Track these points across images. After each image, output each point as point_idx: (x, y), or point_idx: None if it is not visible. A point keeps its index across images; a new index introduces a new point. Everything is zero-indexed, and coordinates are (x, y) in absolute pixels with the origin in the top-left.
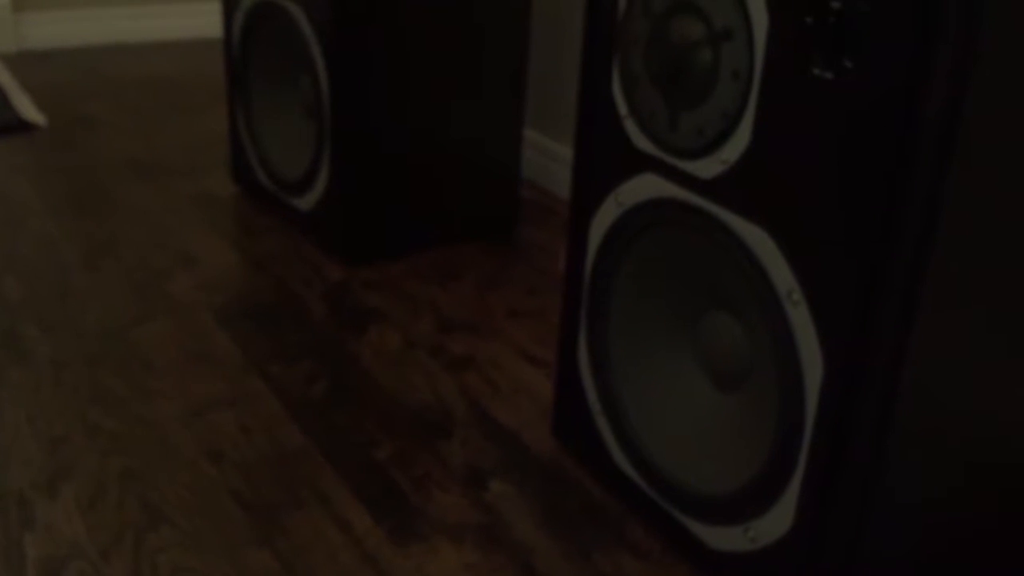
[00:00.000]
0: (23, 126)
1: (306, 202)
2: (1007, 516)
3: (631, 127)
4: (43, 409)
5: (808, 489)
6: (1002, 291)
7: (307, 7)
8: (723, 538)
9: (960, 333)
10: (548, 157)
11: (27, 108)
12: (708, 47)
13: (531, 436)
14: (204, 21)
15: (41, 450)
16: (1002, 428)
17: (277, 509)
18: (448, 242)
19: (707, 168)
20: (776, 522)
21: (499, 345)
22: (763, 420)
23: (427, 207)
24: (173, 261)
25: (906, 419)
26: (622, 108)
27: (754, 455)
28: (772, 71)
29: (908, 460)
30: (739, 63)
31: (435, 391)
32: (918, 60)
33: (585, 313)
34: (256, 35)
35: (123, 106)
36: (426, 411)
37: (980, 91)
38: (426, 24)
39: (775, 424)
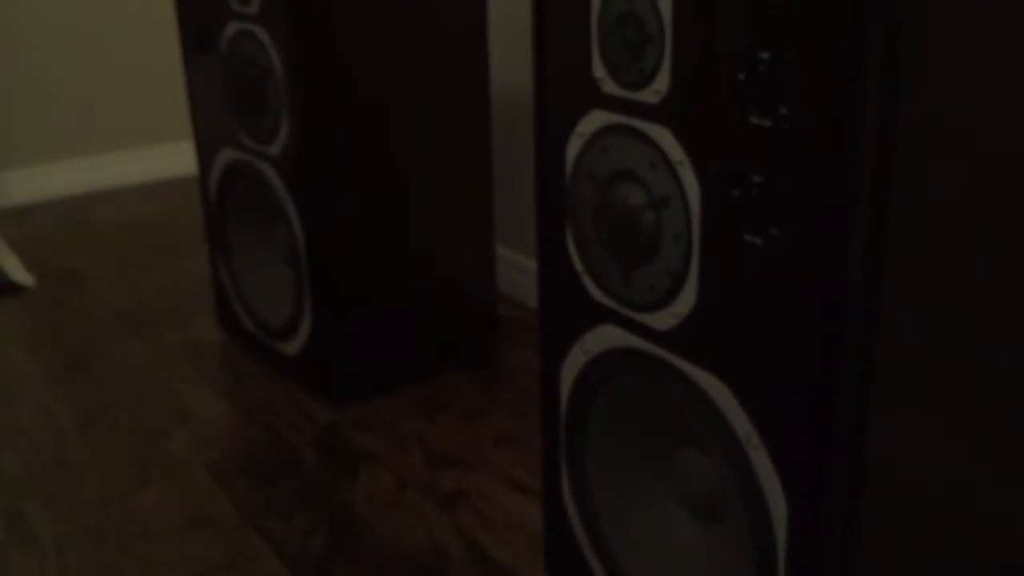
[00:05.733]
0: (13, 288)
1: (291, 347)
2: None
3: (588, 282)
4: None
5: None
6: (943, 422)
7: (277, 165)
8: None
9: (911, 465)
10: (520, 271)
11: (16, 269)
12: (650, 212)
13: (526, 573)
14: (180, 161)
15: None
16: (960, 549)
17: None
18: (433, 371)
19: (661, 321)
20: None
21: (488, 476)
22: (742, 552)
23: (409, 340)
24: (167, 418)
25: (870, 554)
26: (578, 265)
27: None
28: (709, 235)
29: None
30: (678, 227)
31: (429, 532)
32: (838, 227)
33: (564, 455)
34: (232, 190)
35: (107, 256)
36: (422, 555)
37: (898, 246)
38: (392, 164)
39: (749, 561)
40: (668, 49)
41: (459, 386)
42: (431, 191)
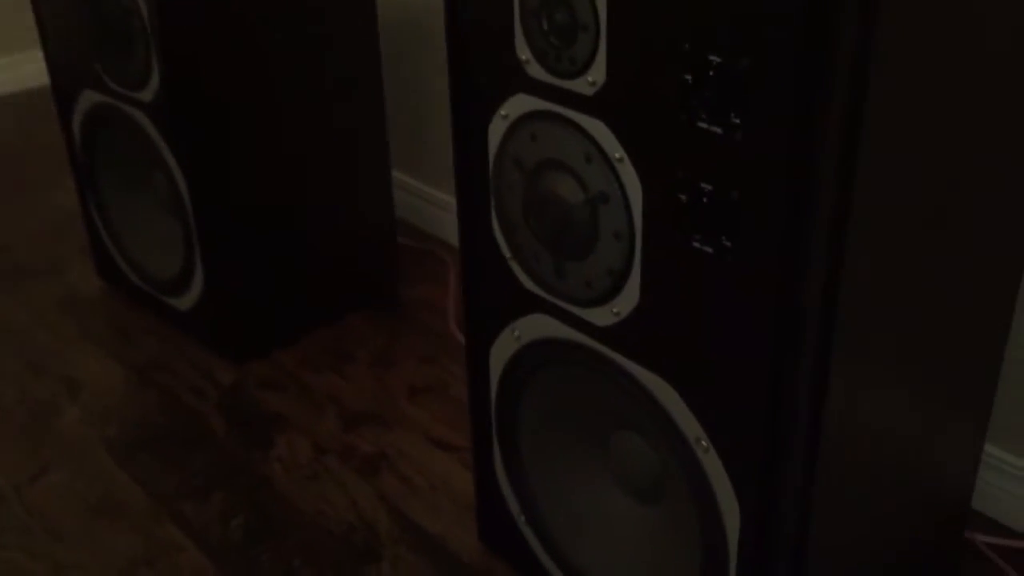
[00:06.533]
0: None
1: (184, 302)
2: None
3: (517, 269)
4: None
5: None
6: (893, 414)
7: (151, 112)
8: None
9: (861, 455)
10: (418, 197)
11: None
12: (586, 207)
13: (457, 541)
14: (32, 70)
15: None
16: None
17: None
18: (336, 314)
19: (600, 317)
20: None
21: (406, 434)
22: (686, 533)
23: (309, 284)
24: (54, 389)
25: (818, 554)
26: (505, 251)
27: (685, 568)
28: (653, 236)
29: None
30: (619, 225)
31: (355, 505)
32: (795, 241)
33: (496, 436)
34: (99, 134)
35: None
36: (350, 532)
37: (854, 260)
38: (275, 100)
39: (699, 550)
40: (604, 39)
41: (364, 329)
42: (319, 123)
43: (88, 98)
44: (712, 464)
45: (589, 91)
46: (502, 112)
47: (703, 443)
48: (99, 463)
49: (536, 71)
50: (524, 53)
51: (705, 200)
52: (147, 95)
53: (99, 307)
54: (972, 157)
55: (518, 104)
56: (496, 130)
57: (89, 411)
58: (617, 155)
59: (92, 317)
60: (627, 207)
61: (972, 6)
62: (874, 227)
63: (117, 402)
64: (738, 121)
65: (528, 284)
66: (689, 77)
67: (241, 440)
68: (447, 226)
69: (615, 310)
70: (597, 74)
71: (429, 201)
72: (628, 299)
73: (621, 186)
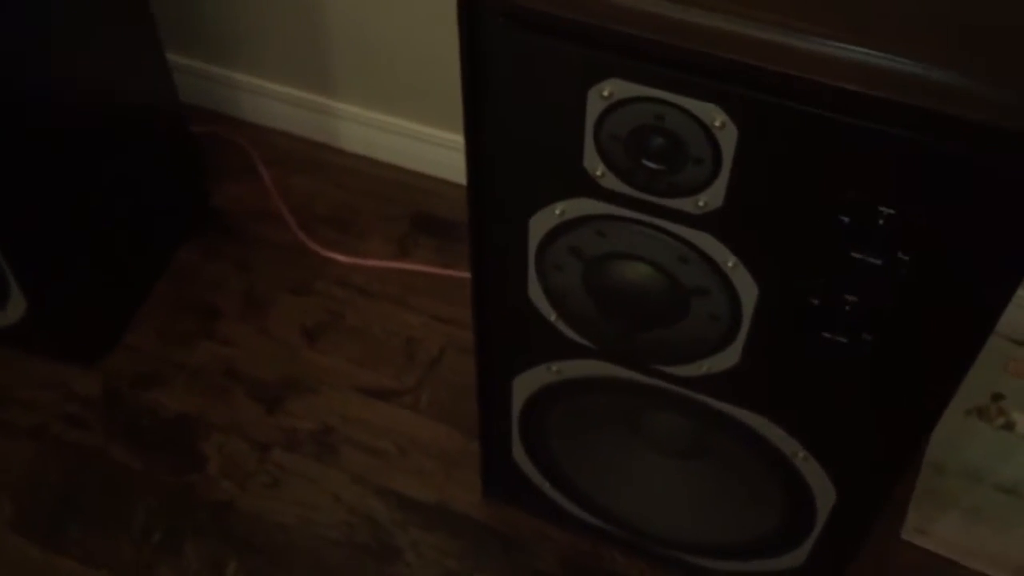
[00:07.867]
0: None
1: (5, 319)
2: None
3: (563, 326)
4: None
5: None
6: None
7: None
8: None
9: None
10: (199, 77)
11: None
12: (676, 297)
13: (460, 503)
14: None
15: None
16: None
17: None
18: (163, 257)
19: (685, 371)
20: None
21: (335, 393)
22: (744, 479)
23: (124, 236)
24: None
25: None
26: (549, 313)
27: (757, 513)
28: (766, 321)
29: None
30: (719, 310)
31: (338, 500)
32: (946, 341)
33: (518, 434)
34: None
35: None
36: (352, 533)
37: None
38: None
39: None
40: (726, 172)
41: (201, 268)
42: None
43: None
44: (810, 468)
45: (695, 211)
46: (555, 210)
47: (800, 455)
48: (27, 556)
49: (613, 183)
50: (597, 168)
51: (847, 308)
52: None
53: None
54: None
55: (580, 206)
56: (544, 220)
57: None
58: (730, 263)
59: None
60: (734, 300)
61: None
62: None
63: None
64: (906, 258)
65: (578, 339)
66: (847, 219)
67: (165, 467)
68: (227, 100)
69: (706, 367)
70: (711, 198)
71: (209, 79)
72: (723, 360)
73: (729, 286)
